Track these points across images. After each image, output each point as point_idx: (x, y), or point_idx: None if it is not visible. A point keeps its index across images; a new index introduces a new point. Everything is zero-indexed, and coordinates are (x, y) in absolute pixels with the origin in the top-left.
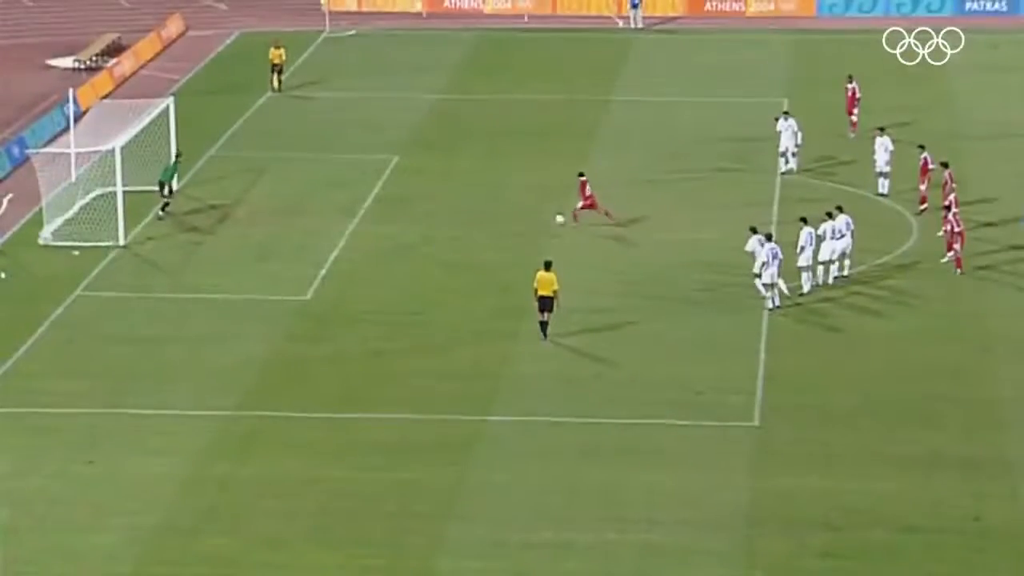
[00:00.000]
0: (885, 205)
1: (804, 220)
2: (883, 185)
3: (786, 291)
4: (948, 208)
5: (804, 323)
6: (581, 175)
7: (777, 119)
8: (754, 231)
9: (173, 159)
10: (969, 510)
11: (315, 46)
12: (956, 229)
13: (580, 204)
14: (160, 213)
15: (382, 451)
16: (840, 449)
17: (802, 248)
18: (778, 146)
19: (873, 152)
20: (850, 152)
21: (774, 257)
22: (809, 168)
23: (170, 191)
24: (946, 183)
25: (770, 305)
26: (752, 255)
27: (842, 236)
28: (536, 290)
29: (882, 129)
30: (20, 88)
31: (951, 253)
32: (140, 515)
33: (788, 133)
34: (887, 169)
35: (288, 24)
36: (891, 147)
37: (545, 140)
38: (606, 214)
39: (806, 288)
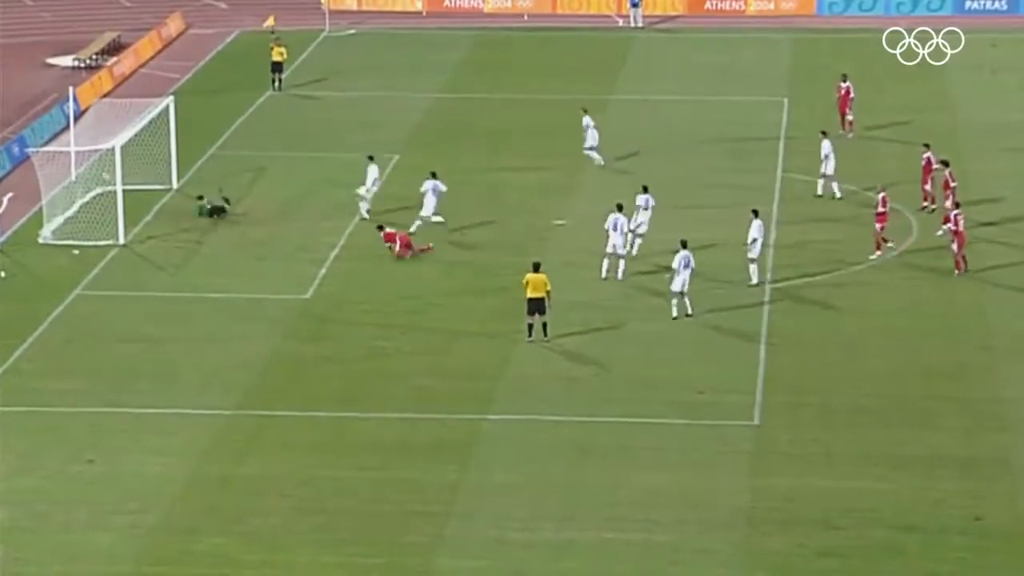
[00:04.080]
0: None
1: (755, 212)
2: (820, 187)
3: (688, 309)
4: (958, 206)
5: (804, 323)
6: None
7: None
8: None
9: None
10: (969, 510)
11: (315, 45)
12: (955, 229)
13: (397, 247)
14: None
15: (382, 451)
16: (840, 449)
17: (754, 240)
18: (584, 141)
19: (822, 155)
20: (848, 151)
21: (685, 265)
22: (802, 167)
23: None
24: (946, 182)
25: (675, 314)
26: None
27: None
28: (525, 292)
29: (824, 132)
30: (20, 87)
31: (879, 253)
32: (140, 514)
33: (591, 131)
34: (831, 172)
35: (288, 23)
36: (828, 150)
37: (545, 140)
38: (419, 248)
39: (754, 280)
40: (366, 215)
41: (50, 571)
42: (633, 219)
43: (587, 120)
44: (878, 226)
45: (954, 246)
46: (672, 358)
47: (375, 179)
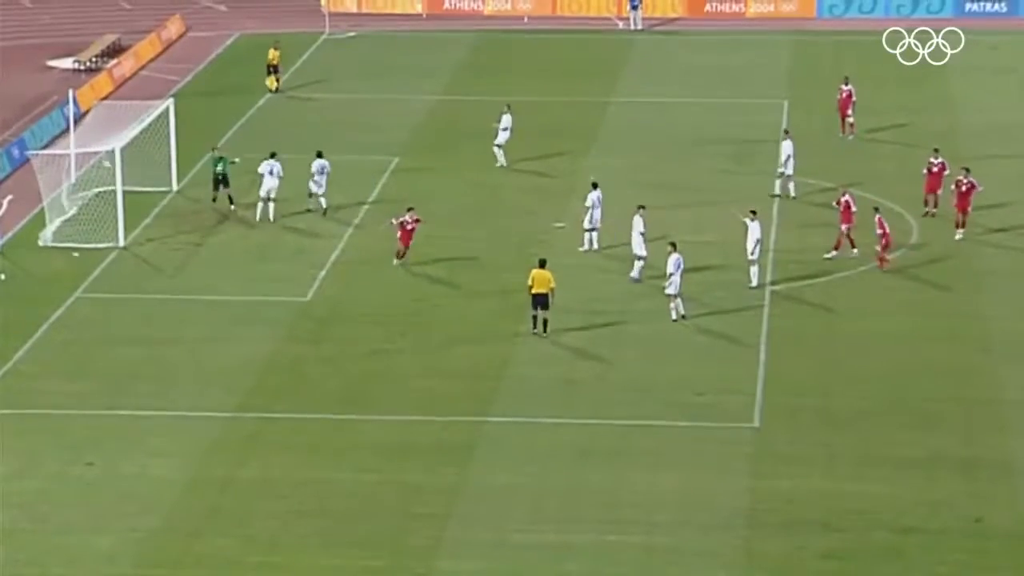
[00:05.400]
0: (885, 206)
1: (753, 212)
2: (778, 187)
3: (682, 310)
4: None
5: (804, 323)
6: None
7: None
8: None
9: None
10: (970, 511)
11: (315, 47)
12: (880, 231)
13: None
14: (231, 208)
15: (382, 452)
16: (840, 450)
17: (757, 241)
18: (497, 139)
19: (781, 155)
20: (848, 153)
21: (677, 267)
22: (802, 169)
23: (224, 183)
24: (972, 186)
25: (674, 316)
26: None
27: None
28: (531, 287)
29: (787, 132)
30: (20, 89)
31: (835, 252)
32: (140, 516)
33: (505, 130)
34: (790, 172)
35: (288, 26)
36: (790, 151)
37: (545, 140)
38: (400, 254)
39: (755, 282)
40: (272, 219)
41: (50, 573)
42: (587, 218)
43: (508, 118)
44: (844, 227)
45: (879, 247)
46: (672, 360)
47: (263, 175)
